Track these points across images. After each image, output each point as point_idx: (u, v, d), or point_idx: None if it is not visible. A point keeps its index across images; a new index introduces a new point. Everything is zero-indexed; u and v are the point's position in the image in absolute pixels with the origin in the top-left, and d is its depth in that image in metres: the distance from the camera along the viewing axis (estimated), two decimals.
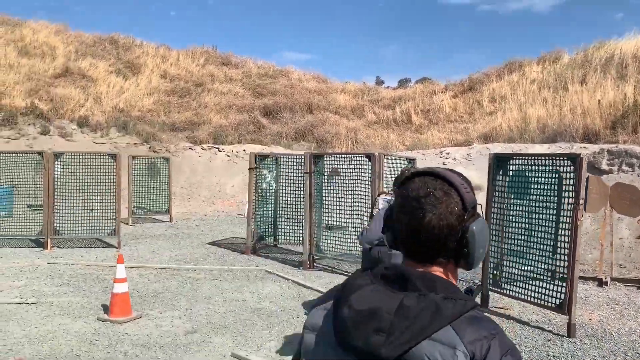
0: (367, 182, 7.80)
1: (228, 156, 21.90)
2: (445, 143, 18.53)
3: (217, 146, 22.44)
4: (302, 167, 8.90)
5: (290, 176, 9.96)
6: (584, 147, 13.80)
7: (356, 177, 8.05)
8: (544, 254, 5.82)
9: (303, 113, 26.12)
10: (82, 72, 26.19)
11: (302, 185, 9.17)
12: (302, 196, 9.21)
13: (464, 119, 21.06)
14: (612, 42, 19.71)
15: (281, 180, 10.26)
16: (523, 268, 6.10)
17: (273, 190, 10.52)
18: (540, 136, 15.50)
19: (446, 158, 16.98)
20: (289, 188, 10.00)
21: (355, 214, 8.06)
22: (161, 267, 8.58)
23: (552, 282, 5.58)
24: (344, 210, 8.37)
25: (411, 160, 8.97)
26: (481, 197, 7.02)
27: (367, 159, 7.74)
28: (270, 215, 10.54)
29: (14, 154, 10.70)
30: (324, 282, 7.64)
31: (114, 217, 10.60)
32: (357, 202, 8.00)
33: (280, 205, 10.37)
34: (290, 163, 10.06)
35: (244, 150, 21.96)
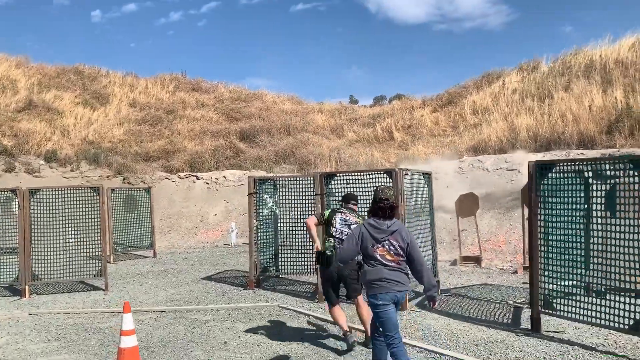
0: None
1: (207, 184, 20.99)
2: (432, 157, 18.10)
3: (194, 174, 21.53)
4: (313, 189, 8.20)
5: (294, 200, 9.25)
6: (582, 154, 13.54)
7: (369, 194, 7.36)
8: (605, 267, 5.23)
9: (281, 135, 25.45)
10: (47, 104, 24.97)
11: (310, 209, 8.45)
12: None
13: (448, 132, 20.76)
14: (589, 49, 19.83)
15: (283, 205, 9.53)
16: (582, 283, 5.50)
17: (272, 217, 9.77)
18: (533, 145, 15.21)
19: (436, 172, 16.55)
20: (293, 213, 9.28)
21: None
22: (160, 310, 7.68)
23: (623, 298, 4.97)
24: None
25: (427, 175, 8.35)
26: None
27: (388, 176, 7.08)
28: (271, 243, 9.75)
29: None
30: (347, 315, 6.88)
31: (99, 257, 9.63)
32: None
33: (283, 232, 9.61)
34: (292, 186, 9.35)
35: (224, 177, 21.14)
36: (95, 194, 9.60)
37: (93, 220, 9.54)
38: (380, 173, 7.36)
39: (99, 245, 9.51)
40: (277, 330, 6.38)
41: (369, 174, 7.54)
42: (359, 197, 6.43)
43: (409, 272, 4.34)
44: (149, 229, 14.73)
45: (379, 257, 4.23)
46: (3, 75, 26.29)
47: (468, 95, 22.66)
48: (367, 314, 5.10)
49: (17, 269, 9.16)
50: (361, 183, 7.66)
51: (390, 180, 7.06)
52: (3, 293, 9.57)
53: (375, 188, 4.61)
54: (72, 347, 6.03)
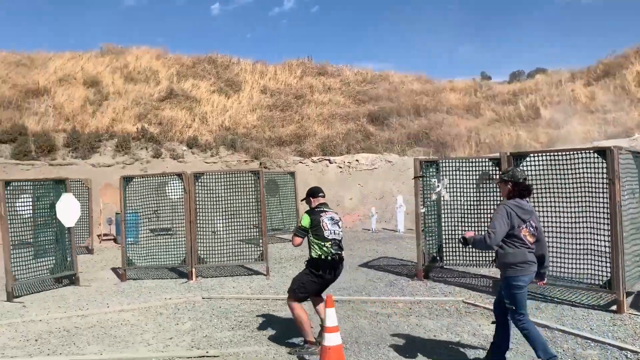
0: (597, 184, 6.06)
1: (340, 167, 20.68)
2: (594, 136, 16.16)
3: (327, 158, 21.32)
4: (490, 172, 7.32)
5: (464, 184, 8.42)
6: None
7: (577, 179, 6.31)
8: None
9: (411, 116, 24.50)
10: (186, 93, 26.18)
11: (486, 195, 7.59)
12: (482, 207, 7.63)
13: (608, 108, 18.50)
14: None
15: (450, 190, 8.73)
16: None
17: (436, 203, 9.01)
18: None
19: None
20: (464, 199, 8.45)
21: (586, 226, 6.30)
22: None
23: None
24: (564, 222, 6.58)
25: (638, 154, 7.04)
26: None
27: (600, 156, 6.01)
28: (436, 232, 9.01)
29: (151, 177, 9.92)
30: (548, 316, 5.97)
31: (255, 240, 9.55)
32: (585, 209, 6.25)
33: (451, 220, 8.81)
34: (466, 168, 8.49)
35: (357, 161, 20.68)
36: (255, 178, 9.49)
37: (250, 204, 9.46)
38: (588, 152, 6.25)
39: (259, 230, 9.40)
40: (475, 330, 5.65)
41: (571, 154, 6.43)
42: (563, 182, 5.48)
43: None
44: (292, 213, 14.66)
45: (523, 238, 4.30)
46: (146, 67, 27.99)
47: (629, 65, 20.04)
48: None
49: (184, 252, 9.32)
50: (561, 164, 6.53)
51: (604, 161, 5.96)
52: (170, 275, 9.84)
53: (508, 169, 4.67)
54: (258, 337, 5.78)
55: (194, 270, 9.24)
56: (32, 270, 8.73)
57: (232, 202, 9.60)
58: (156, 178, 9.82)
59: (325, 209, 5.23)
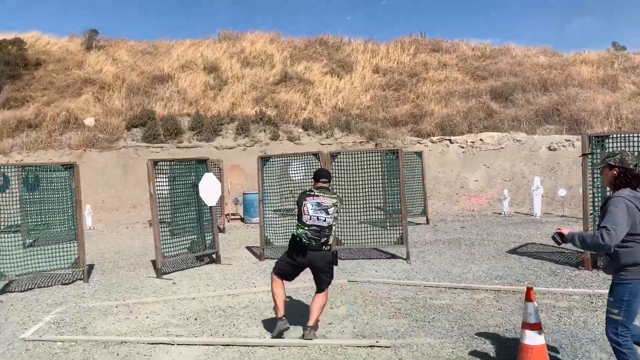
0: None
1: (462, 147, 19.63)
2: None
3: (447, 137, 20.33)
4: None
5: None
6: None
7: None
8: None
9: (537, 92, 22.69)
10: (299, 76, 26.27)
11: None
12: None
13: None
14: None
15: None
16: None
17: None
18: None
19: None
20: None
21: None
22: (494, 289, 6.63)
23: None
24: None
25: None
26: None
27: None
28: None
29: (286, 157, 9.80)
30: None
31: (385, 223, 9.12)
32: None
33: None
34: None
35: (481, 140, 19.50)
36: (394, 157, 9.03)
37: (389, 183, 9.01)
38: None
39: (397, 211, 8.95)
40: None
41: None
42: None
43: None
44: (418, 195, 14.04)
45: None
46: (261, 51, 28.48)
47: None
48: (322, 303, 5.14)
49: None
50: None
51: None
52: None
53: (616, 152, 3.81)
54: (425, 327, 5.33)
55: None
56: (177, 248, 8.97)
57: (368, 182, 9.21)
58: (291, 158, 9.67)
59: (317, 193, 5.03)
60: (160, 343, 5.21)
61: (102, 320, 6.11)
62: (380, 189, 9.86)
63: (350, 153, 9.34)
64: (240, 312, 6.24)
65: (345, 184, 9.18)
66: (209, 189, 9.30)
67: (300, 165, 9.62)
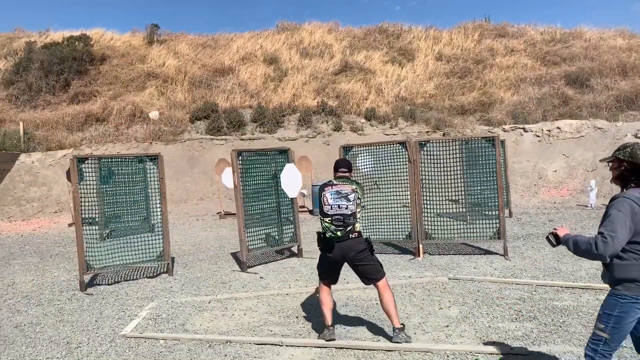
0: None
1: (537, 136, 18.60)
2: None
3: (520, 126, 19.32)
4: None
5: None
6: None
7: None
8: None
9: (615, 77, 21.23)
10: (360, 65, 25.70)
11: None
12: None
13: None
14: None
15: None
16: None
17: None
18: None
19: None
20: None
21: None
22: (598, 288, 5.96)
23: None
24: None
25: None
26: None
27: None
28: None
29: (369, 147, 9.32)
30: None
31: (493, 216, 8.52)
32: None
33: None
34: None
35: (558, 128, 18.42)
36: (488, 145, 8.41)
37: (489, 173, 8.41)
38: None
39: (495, 203, 8.34)
40: None
41: None
42: None
43: None
44: (492, 186, 13.21)
45: None
46: (320, 41, 28.06)
47: None
48: (391, 299, 4.68)
49: (409, 226, 8.62)
50: None
51: None
52: (391, 250, 9.24)
53: (627, 144, 3.17)
54: (558, 332, 4.77)
55: (421, 246, 8.49)
56: (259, 241, 8.70)
57: (458, 172, 8.64)
58: (375, 147, 9.19)
59: (334, 182, 4.86)
60: (268, 344, 4.88)
61: (199, 317, 5.85)
62: (470, 179, 9.28)
63: (438, 141, 8.76)
64: (342, 310, 5.85)
65: (434, 174, 8.64)
66: (290, 180, 8.97)
67: (368, 157, 9.16)
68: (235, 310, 6.04)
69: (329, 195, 4.82)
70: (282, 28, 29.64)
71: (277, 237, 9.04)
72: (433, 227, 8.62)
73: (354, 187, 4.84)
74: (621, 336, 3.12)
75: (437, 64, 25.87)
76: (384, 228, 8.90)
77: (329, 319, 4.95)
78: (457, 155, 8.54)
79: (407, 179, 8.58)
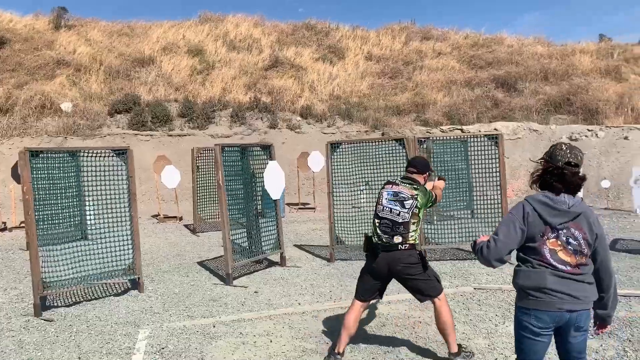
0: None
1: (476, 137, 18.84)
2: None
3: (458, 127, 19.53)
4: None
5: None
6: None
7: None
8: None
9: (538, 82, 22.27)
10: (290, 61, 24.87)
11: None
12: None
13: None
14: None
15: None
16: None
17: None
18: None
19: None
20: None
21: None
22: None
23: None
24: None
25: None
26: None
27: None
28: None
29: (359, 143, 8.55)
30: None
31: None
32: None
33: None
34: None
35: (495, 130, 18.74)
36: (493, 144, 8.00)
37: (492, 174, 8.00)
38: None
39: (499, 205, 7.94)
40: None
41: None
42: None
43: (592, 280, 2.80)
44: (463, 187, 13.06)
45: (546, 254, 2.76)
46: (246, 35, 26.85)
47: None
48: (448, 319, 4.09)
49: None
50: None
51: None
52: None
53: (553, 146, 2.91)
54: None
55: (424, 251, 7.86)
56: (243, 249, 7.62)
57: (457, 171, 8.15)
58: (369, 144, 8.45)
59: (397, 182, 4.29)
60: None
61: (214, 347, 4.75)
62: (468, 179, 8.87)
63: (439, 138, 8.21)
64: (383, 331, 5.03)
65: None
66: (274, 180, 7.97)
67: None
68: (254, 336, 5.00)
69: (385, 195, 4.27)
70: (204, 19, 28.02)
71: (260, 244, 8.00)
72: (433, 231, 8.04)
73: (415, 192, 4.13)
74: (530, 354, 2.85)
75: (368, 63, 25.71)
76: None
77: (342, 346, 4.25)
78: (458, 155, 8.04)
79: None
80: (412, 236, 4.11)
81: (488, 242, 2.83)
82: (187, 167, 14.42)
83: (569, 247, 2.74)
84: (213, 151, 7.65)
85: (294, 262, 8.28)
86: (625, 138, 15.94)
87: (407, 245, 4.10)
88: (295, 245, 9.74)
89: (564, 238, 2.75)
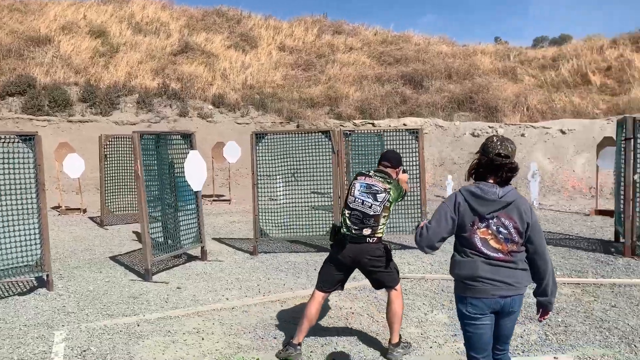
0: None
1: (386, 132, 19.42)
2: None
3: (370, 122, 19.99)
4: None
5: None
6: None
7: None
8: None
9: (442, 80, 23.37)
10: (201, 48, 24.11)
11: None
12: None
13: None
14: None
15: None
16: None
17: None
18: None
19: None
20: None
21: None
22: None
23: None
24: None
25: None
26: None
27: None
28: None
29: (286, 135, 8.43)
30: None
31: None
32: None
33: None
34: None
35: (404, 125, 19.43)
36: (412, 138, 8.23)
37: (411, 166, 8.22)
38: None
39: (418, 197, 8.19)
40: None
41: None
42: None
43: (526, 266, 2.93)
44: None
45: (477, 243, 2.88)
46: (153, 18, 25.66)
47: None
48: (399, 310, 4.20)
49: (331, 221, 8.00)
50: None
51: None
52: (309, 250, 8.52)
53: (487, 139, 3.04)
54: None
55: None
56: (162, 243, 7.27)
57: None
58: (295, 135, 8.36)
59: (371, 174, 4.25)
60: None
61: (142, 347, 4.48)
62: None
63: (365, 132, 8.32)
64: (317, 324, 5.00)
65: (359, 168, 8.17)
66: (195, 171, 7.67)
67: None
68: (184, 334, 4.77)
69: (357, 186, 4.20)
70: None
71: (179, 237, 7.66)
72: None
73: (388, 186, 4.13)
74: (476, 342, 2.96)
75: (281, 54, 25.54)
76: (303, 223, 8.15)
77: (301, 337, 4.25)
78: (379, 148, 8.20)
79: (330, 171, 7.95)
80: (380, 229, 4.13)
81: (422, 229, 2.95)
82: (91, 156, 13.48)
83: (500, 235, 2.84)
84: (131, 139, 7.19)
85: (215, 256, 8.03)
86: (522, 135, 17.18)
87: (375, 238, 4.12)
88: (214, 239, 9.46)
89: (494, 227, 2.85)
